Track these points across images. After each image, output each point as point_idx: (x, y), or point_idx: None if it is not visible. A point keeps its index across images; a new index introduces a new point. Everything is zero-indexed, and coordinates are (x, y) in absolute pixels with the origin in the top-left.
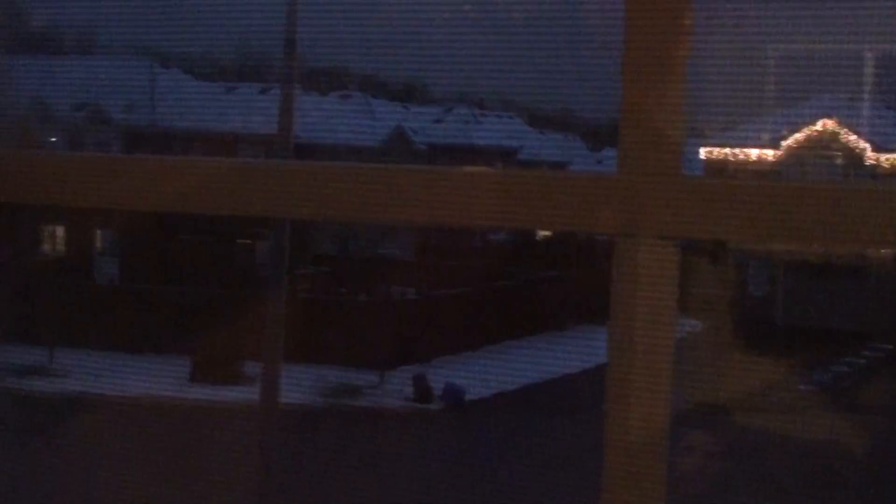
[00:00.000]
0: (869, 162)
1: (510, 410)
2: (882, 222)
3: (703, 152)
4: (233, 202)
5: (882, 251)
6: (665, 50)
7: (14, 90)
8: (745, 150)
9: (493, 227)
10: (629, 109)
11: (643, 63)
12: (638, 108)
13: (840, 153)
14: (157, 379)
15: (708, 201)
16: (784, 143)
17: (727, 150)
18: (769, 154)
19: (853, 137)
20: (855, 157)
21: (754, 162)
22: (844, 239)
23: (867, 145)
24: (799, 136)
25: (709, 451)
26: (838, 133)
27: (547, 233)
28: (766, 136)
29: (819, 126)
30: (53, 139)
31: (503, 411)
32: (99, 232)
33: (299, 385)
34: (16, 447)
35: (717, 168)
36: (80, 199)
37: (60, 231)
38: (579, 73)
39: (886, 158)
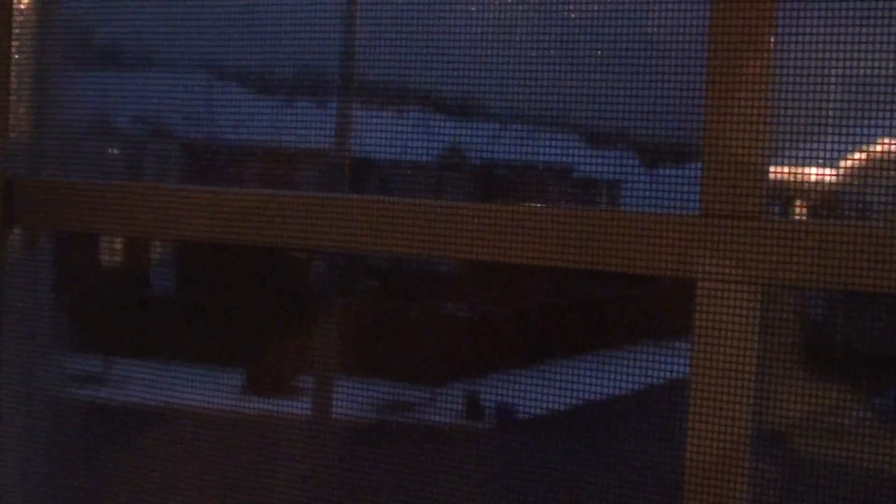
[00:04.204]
0: None
1: (563, 429)
2: None
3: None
4: (267, 234)
5: None
6: (747, 84)
7: (78, 106)
8: (810, 170)
9: (568, 268)
10: (711, 150)
11: (725, 99)
12: (720, 149)
13: None
14: (210, 390)
15: (794, 245)
16: (849, 164)
17: (794, 169)
18: (835, 175)
19: None
20: None
21: (819, 183)
22: None
23: None
24: (864, 156)
25: (781, 476)
26: None
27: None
28: (832, 157)
29: (886, 146)
30: (114, 151)
31: (556, 430)
32: (156, 243)
33: (351, 399)
34: (75, 456)
35: (782, 188)
36: (115, 229)
37: (118, 243)
38: (635, 91)
39: None
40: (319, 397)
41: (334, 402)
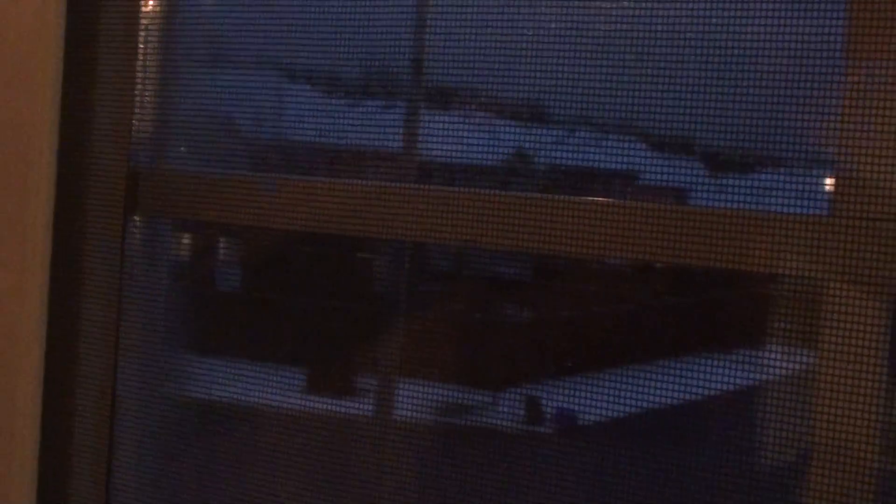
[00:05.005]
0: None
1: (622, 436)
2: None
3: None
4: (374, 225)
5: None
6: (886, 83)
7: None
8: None
9: (685, 265)
10: (846, 147)
11: (862, 98)
12: (854, 147)
13: None
14: (272, 387)
15: None
16: None
17: None
18: None
19: None
20: None
21: None
22: None
23: None
24: None
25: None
26: None
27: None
28: None
29: None
30: (182, 148)
31: (615, 437)
32: (222, 241)
33: (412, 401)
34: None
35: None
36: (232, 217)
37: (186, 239)
38: (702, 97)
39: None
40: (381, 398)
41: (396, 404)
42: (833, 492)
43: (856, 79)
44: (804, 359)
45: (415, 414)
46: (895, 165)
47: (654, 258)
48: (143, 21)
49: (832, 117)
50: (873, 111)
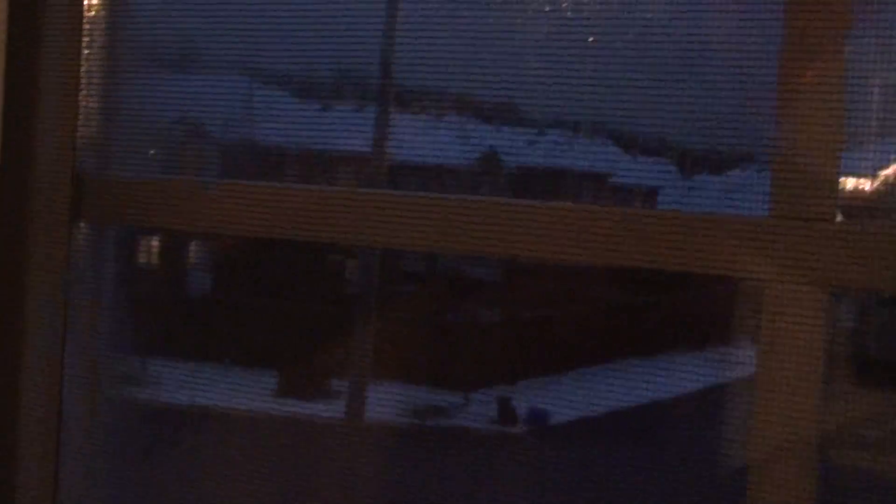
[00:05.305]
0: None
1: (594, 436)
2: None
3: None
4: (324, 230)
5: None
6: (820, 85)
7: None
8: (885, 172)
9: (632, 267)
10: (782, 149)
11: (798, 100)
12: (792, 148)
13: None
14: (244, 391)
15: (865, 250)
16: None
17: (867, 172)
18: None
19: None
20: None
21: (892, 186)
22: None
23: None
24: None
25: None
26: None
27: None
28: None
29: None
30: (151, 151)
31: (587, 437)
32: (193, 244)
33: (385, 403)
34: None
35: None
36: (183, 223)
37: (155, 243)
38: (675, 98)
39: None
40: (353, 401)
41: (368, 406)
42: (774, 489)
43: (791, 79)
44: (745, 357)
45: (379, 417)
46: (835, 166)
47: (595, 260)
48: (87, 25)
49: (771, 118)
50: (811, 112)
